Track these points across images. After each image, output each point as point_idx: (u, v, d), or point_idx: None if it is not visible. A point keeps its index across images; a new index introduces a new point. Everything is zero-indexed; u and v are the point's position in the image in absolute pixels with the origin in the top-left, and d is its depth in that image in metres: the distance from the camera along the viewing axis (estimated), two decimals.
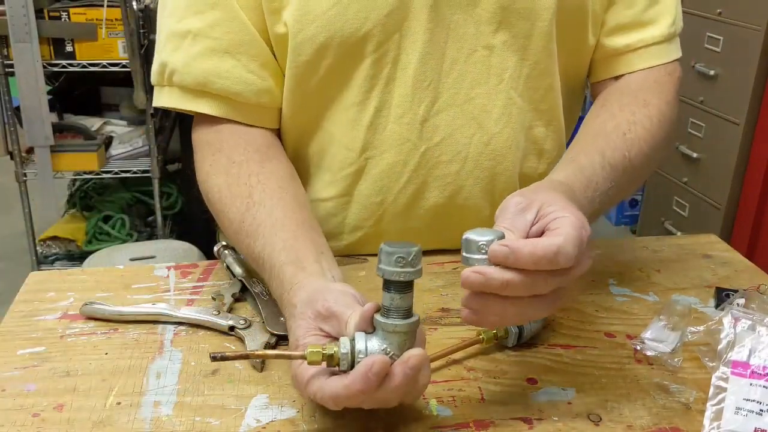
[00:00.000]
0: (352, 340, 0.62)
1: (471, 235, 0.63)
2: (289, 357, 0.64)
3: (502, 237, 0.63)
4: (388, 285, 0.61)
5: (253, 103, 0.88)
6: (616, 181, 0.82)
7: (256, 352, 0.65)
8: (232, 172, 0.85)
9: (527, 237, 0.64)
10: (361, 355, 0.61)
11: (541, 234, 0.64)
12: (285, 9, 0.84)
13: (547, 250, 0.60)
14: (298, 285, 0.71)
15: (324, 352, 0.61)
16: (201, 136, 0.91)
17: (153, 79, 0.91)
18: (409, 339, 0.62)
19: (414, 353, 0.61)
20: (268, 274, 0.77)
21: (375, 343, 0.61)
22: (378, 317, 0.62)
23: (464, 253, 0.63)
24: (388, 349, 0.61)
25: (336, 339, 0.64)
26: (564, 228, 0.62)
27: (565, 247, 0.61)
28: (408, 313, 0.62)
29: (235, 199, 0.83)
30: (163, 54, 0.89)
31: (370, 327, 0.62)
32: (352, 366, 0.61)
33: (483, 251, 0.62)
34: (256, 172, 0.84)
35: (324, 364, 0.62)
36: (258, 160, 0.86)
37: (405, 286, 0.61)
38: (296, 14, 0.83)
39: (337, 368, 0.62)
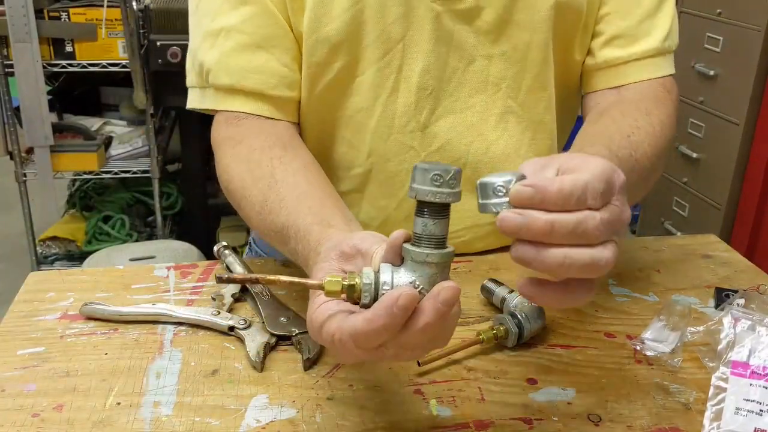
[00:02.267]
0: (377, 272, 0.54)
1: (487, 178, 0.54)
2: (305, 285, 0.56)
3: (522, 178, 0.54)
4: (422, 208, 0.54)
5: (287, 96, 0.89)
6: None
7: (268, 277, 0.55)
8: (254, 157, 0.83)
9: None
10: (386, 287, 0.53)
11: None
12: (305, 9, 0.85)
13: (576, 183, 0.53)
14: (326, 238, 0.65)
15: (344, 282, 0.54)
16: (221, 134, 0.90)
17: (189, 80, 0.92)
18: (441, 273, 0.54)
19: (446, 285, 0.52)
20: (294, 240, 0.71)
21: (403, 276, 0.54)
22: (408, 246, 0.54)
23: (481, 200, 0.54)
24: (417, 283, 0.53)
25: None
26: (589, 165, 0.55)
27: (592, 181, 0.53)
28: (442, 242, 0.54)
29: (257, 181, 0.81)
30: (199, 54, 0.89)
31: (397, 259, 0.55)
32: (375, 300, 0.53)
33: (500, 193, 0.53)
34: (278, 156, 0.82)
35: (344, 296, 0.55)
36: (280, 146, 0.85)
37: (440, 210, 0.53)
38: (311, 15, 0.85)
39: (357, 304, 0.55)
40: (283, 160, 0.82)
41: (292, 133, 0.90)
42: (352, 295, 0.54)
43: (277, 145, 0.85)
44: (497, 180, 0.53)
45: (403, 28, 0.85)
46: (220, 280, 0.55)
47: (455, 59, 0.87)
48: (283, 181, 0.78)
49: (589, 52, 0.94)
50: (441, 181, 0.52)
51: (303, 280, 0.56)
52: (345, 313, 0.55)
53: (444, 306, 0.52)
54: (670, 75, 0.94)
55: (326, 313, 0.56)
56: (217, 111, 0.91)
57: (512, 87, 0.89)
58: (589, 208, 0.53)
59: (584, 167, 0.55)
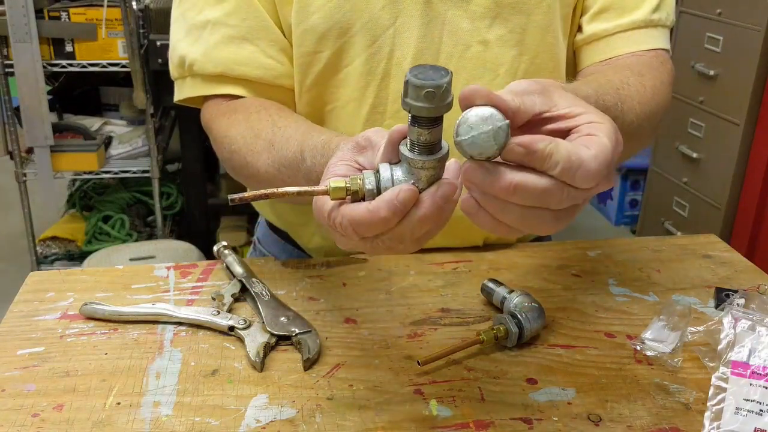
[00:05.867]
0: (377, 172, 0.57)
1: (474, 125, 0.53)
2: (312, 193, 0.59)
3: (506, 124, 0.54)
4: (416, 120, 0.55)
5: (275, 85, 0.90)
6: None
7: (277, 191, 0.59)
8: (252, 117, 0.86)
9: (531, 123, 0.57)
10: (387, 185, 0.57)
11: (565, 135, 0.57)
12: (292, 1, 0.86)
13: (574, 158, 0.52)
14: (346, 140, 0.65)
15: (348, 186, 0.57)
16: (212, 112, 0.91)
17: (172, 74, 0.93)
18: (438, 172, 0.57)
19: (445, 182, 0.56)
20: (310, 157, 0.73)
21: (401, 176, 0.57)
22: (405, 151, 0.56)
23: (457, 139, 0.54)
24: (417, 185, 0.56)
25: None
26: (600, 137, 0.55)
27: (593, 160, 0.53)
28: (436, 146, 0.56)
29: (260, 132, 0.83)
30: (180, 47, 0.90)
31: (396, 155, 0.58)
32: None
33: (486, 143, 0.54)
34: (276, 113, 0.85)
35: (349, 198, 0.57)
36: (276, 107, 0.87)
37: (434, 121, 0.55)
38: (297, 5, 0.85)
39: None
40: (281, 114, 0.84)
41: (284, 106, 0.91)
42: (356, 196, 0.57)
43: (273, 106, 0.87)
44: (484, 130, 0.53)
45: (392, 15, 0.85)
46: (232, 201, 0.59)
47: (450, 45, 0.87)
48: (286, 126, 0.81)
49: (579, 28, 0.94)
50: (434, 97, 0.53)
51: (309, 188, 0.59)
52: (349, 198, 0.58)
53: (442, 200, 0.55)
54: (664, 50, 0.93)
55: (332, 202, 0.58)
56: (204, 99, 0.91)
57: (510, 72, 0.89)
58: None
59: (595, 138, 0.54)
